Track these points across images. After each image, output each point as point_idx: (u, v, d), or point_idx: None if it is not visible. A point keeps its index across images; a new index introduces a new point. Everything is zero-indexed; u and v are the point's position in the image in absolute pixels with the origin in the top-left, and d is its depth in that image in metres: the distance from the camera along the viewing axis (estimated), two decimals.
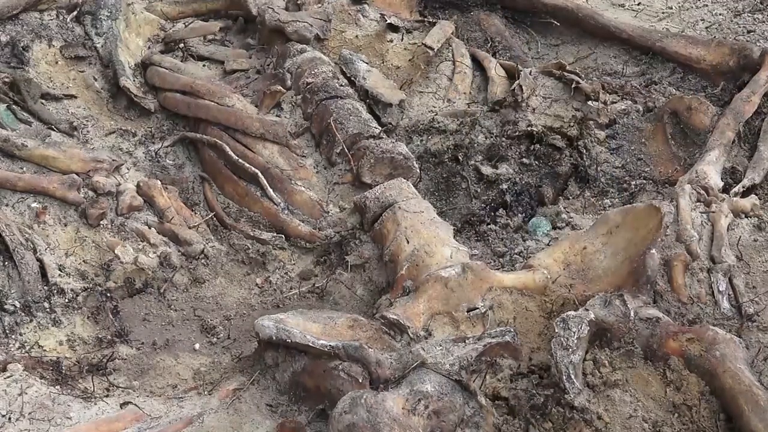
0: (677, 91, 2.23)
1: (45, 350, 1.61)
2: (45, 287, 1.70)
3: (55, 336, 1.65)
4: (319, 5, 2.42)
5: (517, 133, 2.09)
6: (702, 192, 1.73)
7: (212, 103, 2.13)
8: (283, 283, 1.88)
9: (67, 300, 1.70)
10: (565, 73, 2.29)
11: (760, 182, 1.90)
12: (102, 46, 2.31)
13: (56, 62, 2.26)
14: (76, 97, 2.22)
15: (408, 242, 1.70)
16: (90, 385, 1.52)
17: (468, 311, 1.46)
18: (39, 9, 2.31)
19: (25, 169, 1.92)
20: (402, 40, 2.39)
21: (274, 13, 2.32)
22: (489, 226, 1.93)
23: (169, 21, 2.48)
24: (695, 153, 2.03)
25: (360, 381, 1.30)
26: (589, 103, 2.17)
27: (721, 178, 1.84)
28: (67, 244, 1.82)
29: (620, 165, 2.05)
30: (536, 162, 2.05)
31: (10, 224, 1.75)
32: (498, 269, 1.67)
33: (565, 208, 1.97)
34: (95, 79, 2.27)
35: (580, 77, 2.27)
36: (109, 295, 1.75)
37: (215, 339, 1.74)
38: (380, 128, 2.07)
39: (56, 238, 1.81)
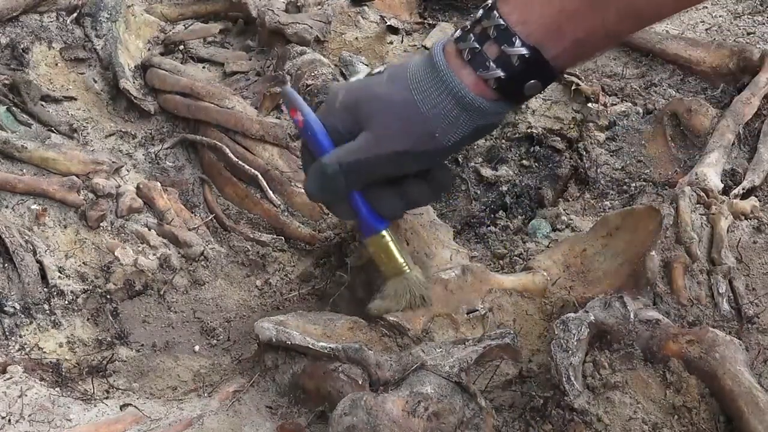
0: (677, 93, 2.23)
1: (45, 352, 1.61)
2: (45, 289, 1.70)
3: (55, 338, 1.65)
4: (319, 7, 2.42)
5: (516, 135, 2.09)
6: (702, 194, 1.73)
7: (212, 105, 2.13)
8: (283, 285, 1.88)
9: (67, 302, 1.70)
10: (565, 75, 2.29)
11: (759, 184, 1.90)
12: (102, 48, 2.31)
13: (56, 64, 2.26)
14: (75, 99, 2.22)
15: (408, 244, 1.70)
16: (90, 387, 1.52)
17: (468, 313, 1.46)
18: (39, 11, 2.31)
19: (24, 170, 1.92)
20: (402, 42, 2.39)
21: (274, 15, 2.33)
22: (489, 228, 1.93)
23: (168, 23, 2.48)
24: (695, 155, 2.02)
25: (360, 383, 1.30)
26: (589, 105, 2.17)
27: (721, 180, 1.84)
28: (66, 245, 1.82)
29: (620, 167, 2.05)
30: (536, 164, 2.05)
31: (10, 226, 1.75)
32: (498, 271, 1.67)
33: (564, 210, 1.97)
34: (95, 81, 2.27)
35: (579, 79, 2.27)
36: (108, 296, 1.75)
37: (215, 341, 1.74)
38: None
39: (56, 240, 1.81)
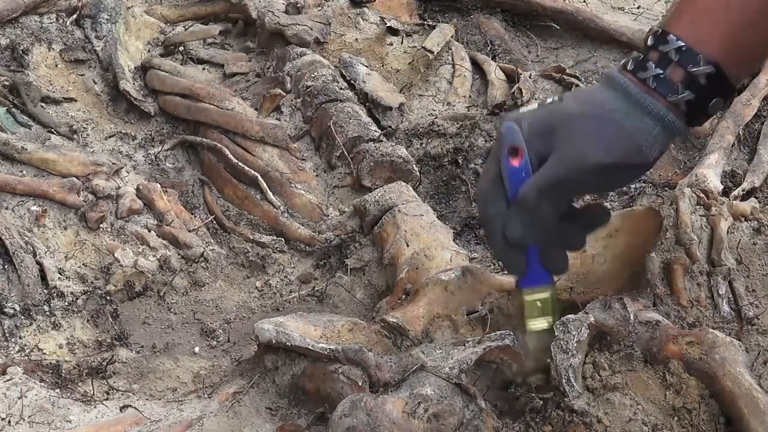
0: None
1: (45, 353, 1.61)
2: (45, 290, 1.70)
3: (55, 339, 1.65)
4: (319, 9, 2.42)
5: None
6: (702, 195, 1.73)
7: (212, 107, 2.13)
8: (283, 287, 1.88)
9: (66, 303, 1.70)
10: (565, 77, 2.29)
11: (759, 185, 1.90)
12: (102, 50, 2.31)
13: (56, 65, 2.27)
14: (75, 101, 2.22)
15: (408, 246, 1.70)
16: (90, 389, 1.52)
17: (468, 314, 1.46)
18: (39, 12, 2.31)
19: (24, 172, 1.92)
20: (402, 43, 2.39)
21: (273, 16, 2.33)
22: None
23: (168, 24, 2.48)
24: (695, 156, 2.03)
25: (359, 384, 1.30)
26: None
27: (721, 182, 1.84)
28: (66, 247, 1.82)
29: None
30: None
31: (10, 227, 1.75)
32: (498, 272, 1.66)
33: None
34: (95, 83, 2.27)
35: (579, 80, 2.27)
36: (108, 298, 1.75)
37: (215, 342, 1.74)
38: (380, 131, 2.07)
39: (56, 242, 1.81)
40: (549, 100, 1.16)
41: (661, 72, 1.11)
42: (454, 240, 1.75)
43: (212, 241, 1.95)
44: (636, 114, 1.11)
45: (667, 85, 1.11)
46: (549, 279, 1.25)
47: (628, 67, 1.13)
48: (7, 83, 2.12)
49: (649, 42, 1.13)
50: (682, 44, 1.10)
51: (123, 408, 1.43)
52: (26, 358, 1.58)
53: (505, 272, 1.27)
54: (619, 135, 1.11)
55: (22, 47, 2.21)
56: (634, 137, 1.12)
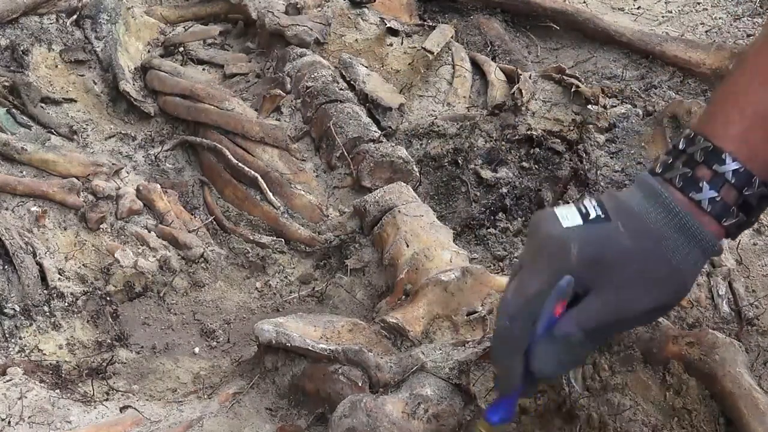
0: (677, 95, 2.23)
1: (45, 354, 1.61)
2: (45, 291, 1.70)
3: (55, 340, 1.65)
4: (319, 9, 2.42)
5: (516, 137, 2.09)
6: None
7: (212, 107, 2.13)
8: (283, 287, 1.88)
9: (66, 304, 1.70)
10: (565, 77, 2.29)
11: None
12: (102, 50, 2.31)
13: (56, 66, 2.27)
14: (75, 101, 2.22)
15: (407, 246, 1.70)
16: (90, 389, 1.52)
17: (468, 315, 1.46)
18: (39, 13, 2.31)
19: (24, 173, 1.92)
20: (402, 44, 2.39)
21: (273, 17, 2.33)
22: (489, 230, 1.93)
23: (168, 25, 2.48)
24: None
25: (359, 385, 1.30)
26: (589, 107, 2.17)
27: None
28: (66, 247, 1.82)
29: (620, 169, 2.05)
30: (536, 166, 2.05)
31: (10, 228, 1.75)
32: (498, 273, 1.66)
33: None
34: (95, 83, 2.27)
35: (579, 81, 2.27)
36: (108, 298, 1.75)
37: (215, 343, 1.74)
38: (380, 132, 2.07)
39: (56, 242, 1.81)
40: (594, 214, 1.07)
41: (717, 195, 1.05)
42: (454, 240, 1.75)
43: (212, 241, 1.95)
44: (684, 245, 1.06)
45: (724, 209, 1.06)
46: (514, 417, 1.19)
47: (677, 184, 1.07)
48: (7, 84, 2.12)
49: (697, 156, 1.06)
50: (739, 167, 1.05)
51: (123, 408, 1.43)
52: (26, 358, 1.58)
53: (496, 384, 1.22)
54: (669, 275, 1.07)
55: (22, 48, 2.21)
56: (681, 275, 1.07)
